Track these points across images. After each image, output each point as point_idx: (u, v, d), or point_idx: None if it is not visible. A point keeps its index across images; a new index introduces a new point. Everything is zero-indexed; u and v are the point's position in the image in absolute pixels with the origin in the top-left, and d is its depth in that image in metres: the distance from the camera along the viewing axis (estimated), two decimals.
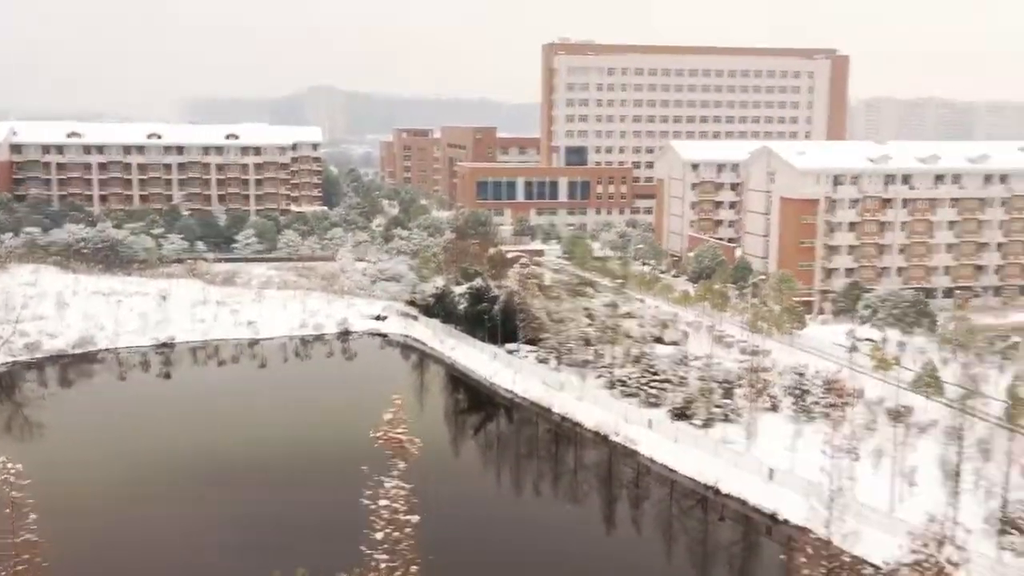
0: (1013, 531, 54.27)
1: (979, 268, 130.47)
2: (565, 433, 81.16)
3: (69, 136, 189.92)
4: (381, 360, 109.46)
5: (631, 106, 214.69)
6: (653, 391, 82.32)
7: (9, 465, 35.70)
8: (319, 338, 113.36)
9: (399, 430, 32.94)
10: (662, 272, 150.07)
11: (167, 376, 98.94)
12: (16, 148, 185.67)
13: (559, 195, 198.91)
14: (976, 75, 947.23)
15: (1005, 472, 54.57)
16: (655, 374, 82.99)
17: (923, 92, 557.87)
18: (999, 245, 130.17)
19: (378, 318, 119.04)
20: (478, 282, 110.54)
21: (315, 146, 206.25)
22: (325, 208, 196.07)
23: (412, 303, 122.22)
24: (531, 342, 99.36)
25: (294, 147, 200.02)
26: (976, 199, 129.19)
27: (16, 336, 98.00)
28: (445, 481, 67.17)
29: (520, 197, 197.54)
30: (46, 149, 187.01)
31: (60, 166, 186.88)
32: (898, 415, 66.51)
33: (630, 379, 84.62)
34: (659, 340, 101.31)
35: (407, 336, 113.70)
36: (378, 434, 32.66)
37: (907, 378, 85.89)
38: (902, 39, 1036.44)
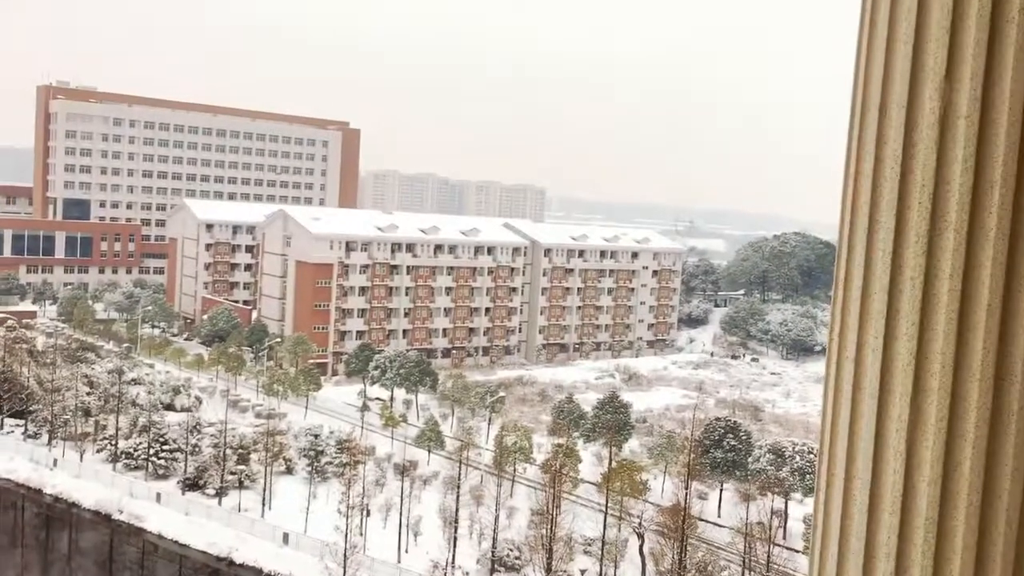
0: (501, 568, 60.61)
1: (471, 331, 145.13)
2: (59, 516, 72.89)
3: None
4: None
5: (141, 160, 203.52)
6: (163, 462, 77.75)
7: None
8: None
9: None
10: (174, 335, 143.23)
11: None
12: None
13: (56, 251, 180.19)
14: (467, 156, 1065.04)
15: (495, 515, 60.85)
16: (165, 443, 78.52)
17: (423, 168, 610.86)
18: (487, 310, 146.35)
19: None
20: None
21: None
22: None
23: None
24: (18, 415, 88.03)
25: None
26: (469, 268, 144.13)
27: None
28: None
29: (7, 252, 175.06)
30: None
31: None
32: (404, 470, 70.80)
33: (137, 451, 79.02)
34: (170, 407, 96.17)
35: None
36: None
37: (413, 434, 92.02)
38: (405, 117, 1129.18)
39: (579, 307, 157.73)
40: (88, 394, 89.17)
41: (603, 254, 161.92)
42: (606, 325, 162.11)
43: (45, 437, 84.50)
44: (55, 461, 79.35)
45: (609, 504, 62.33)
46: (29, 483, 76.86)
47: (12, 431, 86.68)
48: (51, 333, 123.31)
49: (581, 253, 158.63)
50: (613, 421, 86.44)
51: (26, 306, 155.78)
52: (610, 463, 73.69)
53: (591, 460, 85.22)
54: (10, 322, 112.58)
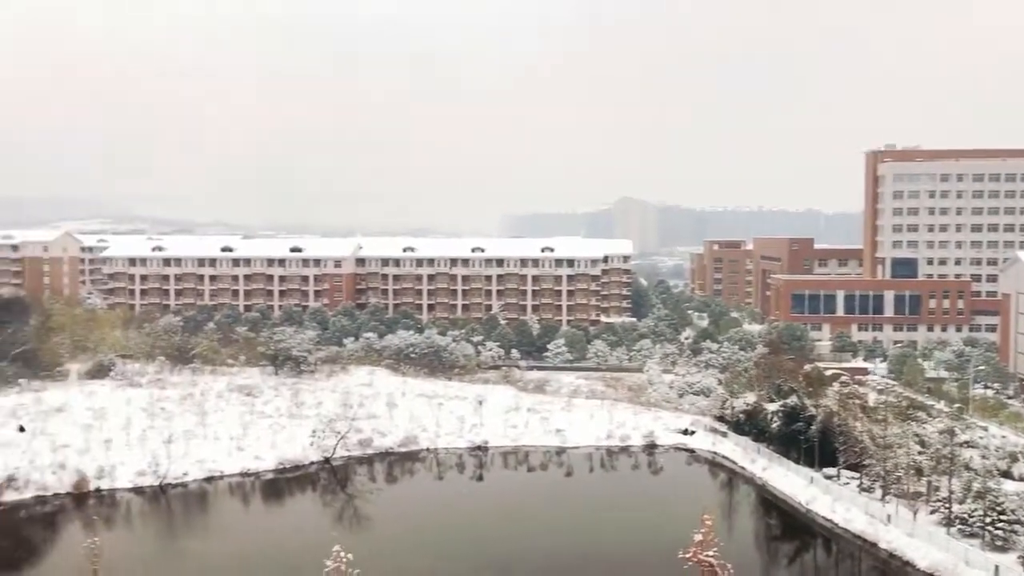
0: None
1: None
2: (893, 573, 72.59)
3: (405, 250, 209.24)
4: (687, 476, 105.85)
5: (968, 214, 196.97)
6: (1000, 532, 71.72)
7: (342, 554, 38.51)
8: (624, 450, 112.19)
9: (710, 552, 30.58)
10: (1009, 398, 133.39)
11: (480, 479, 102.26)
12: (360, 261, 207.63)
13: (884, 310, 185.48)
14: None
15: None
16: (1002, 513, 72.43)
17: None
18: None
19: (685, 432, 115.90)
20: (792, 400, 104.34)
21: (625, 258, 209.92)
22: (633, 319, 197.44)
23: (721, 419, 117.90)
24: (852, 468, 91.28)
25: (605, 259, 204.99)
26: None
27: (352, 432, 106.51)
28: None
29: (840, 311, 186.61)
30: (385, 262, 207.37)
31: (396, 277, 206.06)
32: None
33: (971, 517, 74.47)
34: (1007, 475, 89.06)
35: (715, 453, 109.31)
36: (687, 555, 30.54)
37: None
38: None
39: None
40: (920, 453, 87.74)
41: None
42: None
43: (878, 492, 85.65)
44: (888, 517, 79.64)
45: None
46: (864, 535, 78.58)
47: (848, 483, 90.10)
48: (881, 390, 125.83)
49: None
50: None
51: (857, 363, 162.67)
52: None
53: None
54: (843, 378, 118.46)
